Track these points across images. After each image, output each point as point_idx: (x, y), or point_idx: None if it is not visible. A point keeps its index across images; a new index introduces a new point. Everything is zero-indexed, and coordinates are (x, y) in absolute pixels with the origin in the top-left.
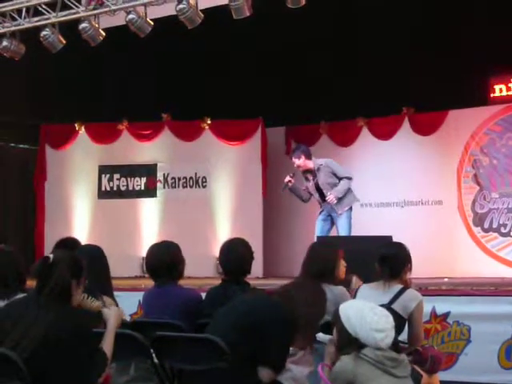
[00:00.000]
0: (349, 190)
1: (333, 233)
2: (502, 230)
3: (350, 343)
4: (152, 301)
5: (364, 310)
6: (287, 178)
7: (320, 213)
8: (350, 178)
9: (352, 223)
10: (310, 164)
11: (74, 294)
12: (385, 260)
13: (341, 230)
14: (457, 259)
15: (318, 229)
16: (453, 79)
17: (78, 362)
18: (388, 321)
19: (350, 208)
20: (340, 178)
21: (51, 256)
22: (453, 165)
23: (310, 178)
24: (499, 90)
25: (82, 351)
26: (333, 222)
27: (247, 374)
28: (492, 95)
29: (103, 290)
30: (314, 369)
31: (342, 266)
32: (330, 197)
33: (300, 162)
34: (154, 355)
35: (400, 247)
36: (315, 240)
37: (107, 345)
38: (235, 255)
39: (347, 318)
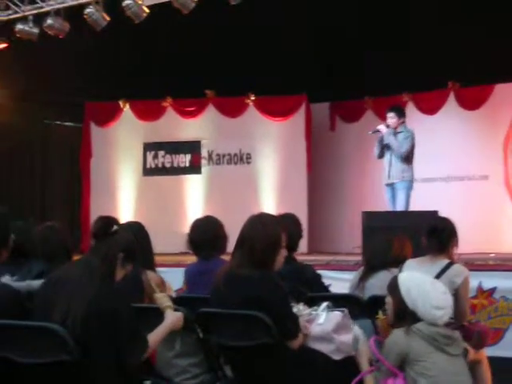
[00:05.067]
0: (409, 167)
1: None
2: None
3: (405, 316)
4: (196, 276)
5: (425, 285)
6: (380, 126)
7: (386, 185)
8: (402, 153)
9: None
10: (398, 127)
11: (118, 270)
12: (433, 233)
13: (398, 202)
14: (503, 235)
15: (390, 206)
16: (499, 53)
17: (114, 343)
18: (447, 298)
19: (411, 184)
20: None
21: (116, 226)
22: (499, 139)
23: (388, 137)
24: None
25: (121, 331)
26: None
27: (283, 346)
28: None
29: (146, 265)
30: (353, 333)
31: (408, 248)
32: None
33: (394, 120)
34: (199, 330)
35: (448, 221)
36: (361, 216)
37: (154, 336)
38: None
39: (408, 291)
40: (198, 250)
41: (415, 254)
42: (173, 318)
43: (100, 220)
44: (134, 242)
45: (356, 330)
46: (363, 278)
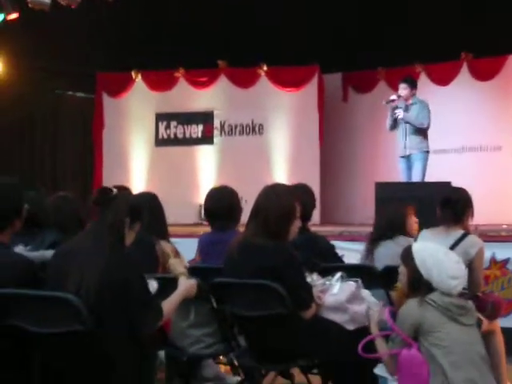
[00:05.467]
0: (425, 138)
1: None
2: None
3: (420, 286)
4: (209, 246)
5: (439, 255)
6: (393, 96)
7: (401, 157)
8: (425, 128)
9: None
10: (410, 99)
11: (127, 235)
12: (447, 203)
13: (414, 173)
14: None
15: (404, 178)
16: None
17: (127, 313)
18: (461, 267)
19: (427, 154)
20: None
21: (114, 189)
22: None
23: (400, 110)
24: None
25: (133, 301)
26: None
27: (297, 316)
28: None
29: (160, 235)
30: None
31: (414, 222)
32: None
33: (406, 91)
34: (213, 300)
35: (462, 191)
36: (374, 187)
37: (168, 304)
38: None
39: (422, 261)
40: (212, 220)
41: (429, 225)
42: (186, 285)
43: (97, 190)
44: (136, 201)
45: (367, 296)
46: (370, 249)
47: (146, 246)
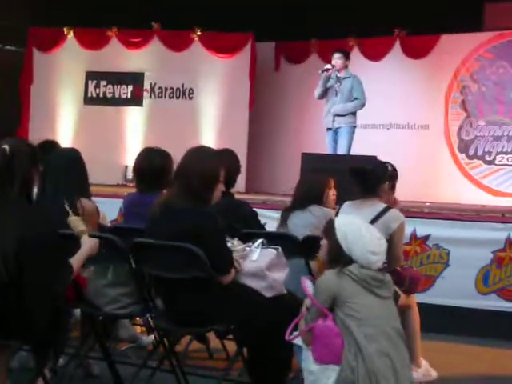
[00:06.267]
0: (354, 113)
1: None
2: (487, 157)
3: (339, 259)
4: (134, 207)
5: (361, 230)
6: (328, 66)
7: (327, 130)
8: (362, 104)
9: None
10: (343, 70)
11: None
12: (356, 175)
13: (340, 147)
14: (440, 185)
15: (330, 150)
16: (447, 3)
17: (43, 268)
18: (382, 243)
19: (354, 129)
20: (354, 98)
21: (6, 147)
22: (441, 90)
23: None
24: (493, 16)
25: (47, 259)
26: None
27: (215, 281)
28: (485, 21)
29: (81, 192)
30: (287, 270)
31: (332, 194)
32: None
33: (340, 61)
34: (132, 261)
35: (378, 165)
36: (300, 157)
37: (74, 262)
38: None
39: (343, 234)
40: (140, 180)
41: (351, 198)
42: (90, 243)
43: None
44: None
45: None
46: (285, 216)
47: (57, 204)
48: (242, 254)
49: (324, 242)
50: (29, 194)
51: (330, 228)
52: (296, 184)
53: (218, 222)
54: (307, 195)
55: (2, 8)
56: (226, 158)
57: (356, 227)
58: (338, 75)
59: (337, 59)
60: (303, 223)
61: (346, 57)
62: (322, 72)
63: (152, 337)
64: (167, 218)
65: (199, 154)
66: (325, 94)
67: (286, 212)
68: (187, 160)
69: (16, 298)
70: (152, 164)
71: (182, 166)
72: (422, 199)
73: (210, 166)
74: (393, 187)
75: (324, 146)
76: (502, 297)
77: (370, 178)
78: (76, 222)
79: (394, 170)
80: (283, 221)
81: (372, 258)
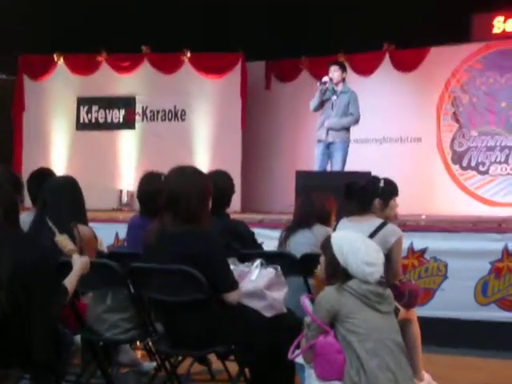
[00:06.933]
0: (347, 129)
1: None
2: (480, 168)
3: (337, 273)
4: (138, 229)
5: (357, 242)
6: (326, 78)
7: (318, 142)
8: (356, 120)
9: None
10: (340, 83)
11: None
12: (348, 194)
13: (334, 162)
14: (435, 197)
15: (318, 162)
16: (434, 15)
17: (39, 294)
18: (379, 256)
19: (347, 144)
20: (350, 113)
21: None
22: (433, 102)
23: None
24: (482, 26)
25: (41, 284)
26: (329, 156)
27: (219, 303)
28: (474, 32)
29: (78, 219)
30: (287, 289)
31: (331, 205)
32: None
33: (337, 74)
34: (130, 285)
35: (369, 181)
36: (294, 174)
37: (69, 284)
38: (217, 187)
39: (339, 248)
40: (143, 204)
41: (346, 214)
42: (81, 263)
43: None
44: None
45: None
46: (287, 236)
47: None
48: (241, 274)
49: (322, 258)
50: (15, 222)
51: (326, 243)
52: (298, 202)
53: (216, 241)
54: (310, 214)
55: None
56: (219, 178)
57: (351, 240)
58: (336, 88)
59: (333, 72)
60: (307, 241)
61: (343, 69)
62: (320, 85)
63: (154, 363)
64: (164, 244)
65: (183, 174)
66: (321, 106)
67: (288, 231)
68: (173, 182)
69: (14, 326)
70: (153, 188)
71: (169, 190)
72: (417, 212)
73: (198, 183)
74: (386, 203)
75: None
76: (501, 307)
77: (362, 196)
78: (64, 242)
79: (389, 185)
80: (284, 240)
81: (367, 269)
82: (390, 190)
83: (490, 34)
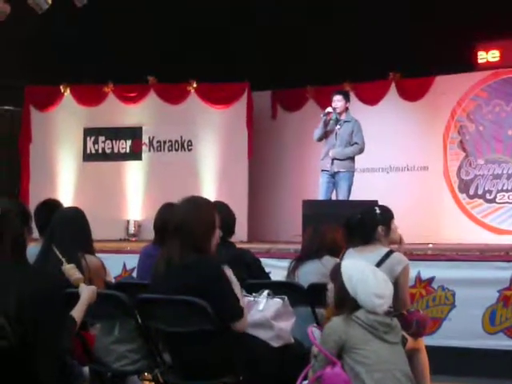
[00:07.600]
0: (352, 158)
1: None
2: (488, 196)
3: (346, 302)
4: (149, 258)
5: (367, 272)
6: (329, 109)
7: (322, 171)
8: (361, 150)
9: (352, 188)
10: (344, 113)
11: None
12: (348, 227)
13: (340, 192)
14: (442, 225)
15: (323, 191)
16: (440, 45)
17: (46, 325)
18: (388, 287)
19: (353, 173)
20: (354, 143)
21: None
22: (439, 131)
23: (335, 124)
24: (486, 56)
25: (49, 315)
26: (334, 184)
27: (227, 333)
28: (479, 61)
29: (85, 249)
30: (294, 319)
31: (340, 236)
32: (333, 152)
33: (341, 103)
34: (138, 316)
35: (365, 212)
36: (300, 203)
37: (77, 313)
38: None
39: (349, 278)
40: (158, 233)
41: (351, 245)
42: (88, 292)
43: None
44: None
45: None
46: (294, 267)
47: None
48: (248, 305)
49: (331, 287)
50: (22, 254)
51: (336, 271)
52: (306, 233)
53: (222, 270)
54: (322, 246)
55: None
56: (220, 208)
57: (361, 269)
58: (339, 118)
59: (337, 102)
60: (316, 271)
61: (347, 98)
62: (323, 116)
63: None
64: (171, 275)
65: (191, 204)
66: (324, 136)
67: (297, 261)
68: (180, 211)
69: (22, 358)
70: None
71: (176, 219)
72: (424, 241)
73: (205, 214)
74: (388, 227)
75: None
76: (509, 336)
77: (361, 228)
78: (71, 271)
79: (385, 211)
80: (293, 270)
81: (377, 301)
82: (387, 214)
83: (495, 63)
